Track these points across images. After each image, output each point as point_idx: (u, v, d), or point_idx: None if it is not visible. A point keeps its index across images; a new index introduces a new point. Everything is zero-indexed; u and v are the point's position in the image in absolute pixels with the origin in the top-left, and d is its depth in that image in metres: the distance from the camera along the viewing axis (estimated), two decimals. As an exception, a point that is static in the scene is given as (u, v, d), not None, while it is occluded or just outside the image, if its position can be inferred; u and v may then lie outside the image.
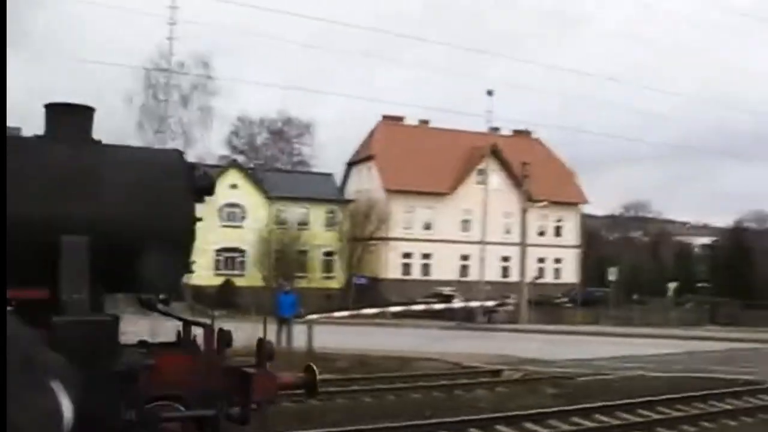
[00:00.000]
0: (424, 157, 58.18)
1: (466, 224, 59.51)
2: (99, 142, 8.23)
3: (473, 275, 53.35)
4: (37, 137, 8.02)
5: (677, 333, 38.72)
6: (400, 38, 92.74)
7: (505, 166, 61.56)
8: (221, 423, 7.75)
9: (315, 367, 8.58)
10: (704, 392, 16.96)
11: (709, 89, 67.77)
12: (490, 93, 49.43)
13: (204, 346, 8.02)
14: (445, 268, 58.59)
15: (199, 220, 8.31)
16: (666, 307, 55.00)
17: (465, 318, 43.05)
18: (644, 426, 13.69)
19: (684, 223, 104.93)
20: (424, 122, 65.71)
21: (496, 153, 59.91)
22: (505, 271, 58.92)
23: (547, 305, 52.31)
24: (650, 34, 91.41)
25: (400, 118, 64.59)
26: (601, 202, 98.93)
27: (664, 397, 15.56)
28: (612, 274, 51.87)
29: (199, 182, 8.38)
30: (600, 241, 79.17)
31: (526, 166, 51.26)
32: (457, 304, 44.77)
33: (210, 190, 8.59)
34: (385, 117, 63.94)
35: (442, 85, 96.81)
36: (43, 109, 8.06)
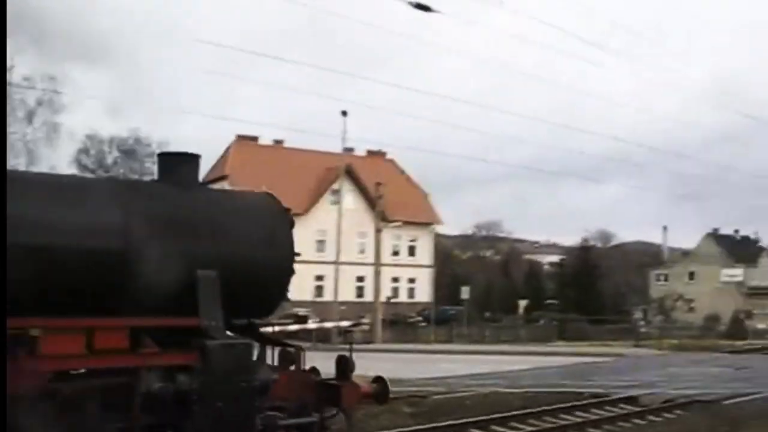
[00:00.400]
0: (278, 177, 57.36)
1: (320, 244, 59.07)
2: (205, 185, 9.77)
3: (328, 295, 52.92)
4: (156, 182, 9.28)
5: (528, 349, 39.61)
6: (257, 57, 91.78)
7: (360, 186, 61.73)
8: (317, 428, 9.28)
9: (385, 378, 10.08)
10: (554, 406, 17.16)
11: (558, 112, 70.86)
12: (344, 113, 49.31)
13: (295, 365, 9.46)
14: (299, 289, 57.75)
15: (298, 254, 9.82)
16: (517, 324, 56.39)
17: (320, 339, 42.48)
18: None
19: (534, 242, 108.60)
20: (279, 142, 65.05)
21: (350, 173, 59.92)
22: (360, 291, 58.86)
23: (401, 324, 52.55)
24: (505, 58, 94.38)
25: (254, 138, 63.67)
26: (454, 222, 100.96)
27: (516, 412, 15.61)
28: (465, 293, 52.67)
29: (291, 220, 9.94)
30: (453, 261, 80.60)
31: (380, 186, 51.42)
32: (311, 324, 44.12)
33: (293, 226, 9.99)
34: (239, 136, 62.85)
35: (297, 106, 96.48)
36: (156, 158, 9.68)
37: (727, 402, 18.67)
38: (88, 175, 67.10)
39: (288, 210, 10.04)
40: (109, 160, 74.00)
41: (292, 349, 9.59)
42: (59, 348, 7.40)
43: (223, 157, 63.61)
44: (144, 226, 8.10)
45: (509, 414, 14.94)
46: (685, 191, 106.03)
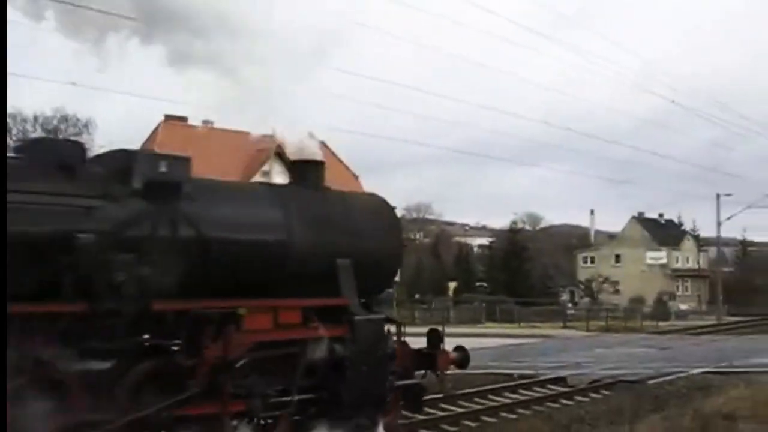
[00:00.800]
0: (207, 158, 56.48)
1: (251, 227, 58.50)
2: (329, 188, 11.23)
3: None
4: (294, 184, 11.10)
5: (457, 331, 39.81)
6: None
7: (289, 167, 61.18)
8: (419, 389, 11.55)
9: (466, 348, 12.47)
10: (484, 387, 17.27)
11: (490, 97, 71.23)
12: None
13: (397, 337, 11.29)
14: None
15: (405, 246, 12.07)
16: (446, 306, 56.74)
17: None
18: (429, 424, 13.61)
19: (464, 225, 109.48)
20: (208, 123, 64.01)
21: (280, 154, 59.34)
22: (292, 274, 58.46)
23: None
24: (439, 43, 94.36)
25: (183, 119, 62.50)
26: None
27: (446, 394, 15.58)
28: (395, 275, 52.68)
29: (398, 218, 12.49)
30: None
31: (310, 167, 51.03)
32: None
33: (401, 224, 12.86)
34: (167, 116, 61.61)
35: (227, 86, 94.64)
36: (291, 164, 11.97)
37: (651, 381, 19.05)
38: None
39: (394, 208, 12.24)
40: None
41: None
42: (256, 324, 9.36)
43: (151, 138, 62.36)
44: (299, 222, 10.08)
45: (438, 396, 14.91)
46: (612, 176, 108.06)
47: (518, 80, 77.25)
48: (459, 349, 12.28)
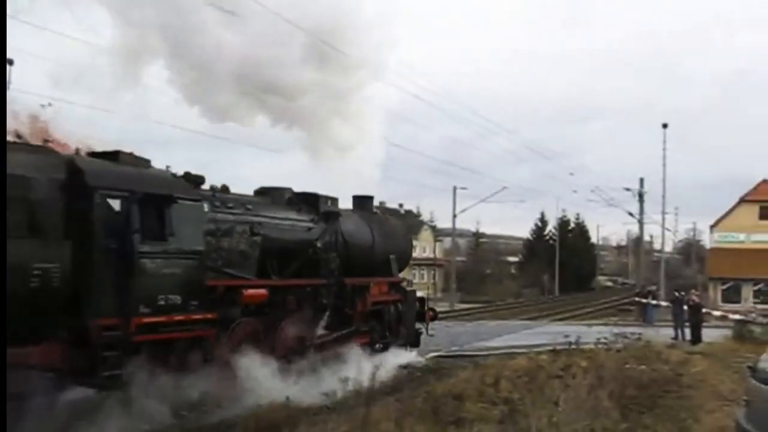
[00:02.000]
0: None
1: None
2: (377, 213, 21.37)
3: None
4: (363, 211, 20.35)
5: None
6: None
7: None
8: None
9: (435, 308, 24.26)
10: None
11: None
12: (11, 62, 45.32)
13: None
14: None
15: (414, 248, 25.52)
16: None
17: None
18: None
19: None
20: None
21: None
22: None
23: None
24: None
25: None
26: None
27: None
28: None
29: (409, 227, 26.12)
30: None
31: None
32: None
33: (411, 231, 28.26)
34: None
35: None
36: (352, 198, 20.54)
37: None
38: None
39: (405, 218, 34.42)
40: None
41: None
42: (374, 292, 18.97)
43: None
44: (376, 235, 19.68)
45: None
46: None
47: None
48: (432, 309, 23.04)
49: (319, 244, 17.13)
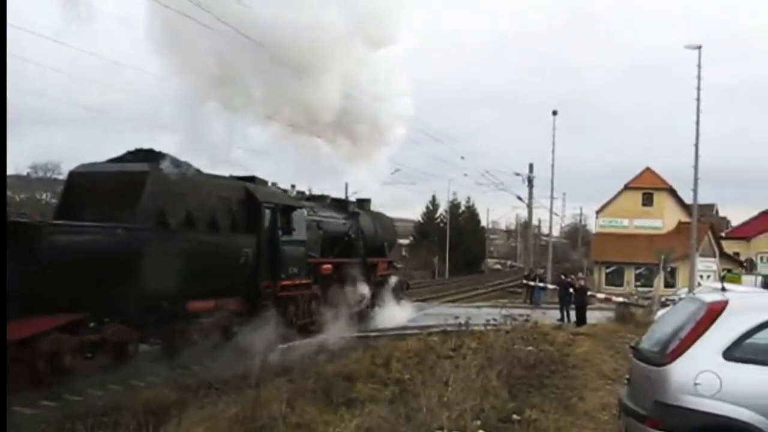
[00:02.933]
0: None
1: None
2: (375, 211, 28.71)
3: None
4: (364, 210, 27.42)
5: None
6: None
7: None
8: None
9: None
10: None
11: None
12: None
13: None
14: None
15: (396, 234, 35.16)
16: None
17: None
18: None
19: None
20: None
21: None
22: None
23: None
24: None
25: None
26: (10, 162, 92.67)
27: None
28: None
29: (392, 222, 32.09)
30: (9, 202, 74.29)
31: None
32: None
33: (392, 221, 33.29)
34: None
35: None
36: (356, 200, 28.84)
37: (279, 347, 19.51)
38: None
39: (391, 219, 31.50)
40: None
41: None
42: (381, 267, 27.38)
43: None
44: (374, 227, 27.50)
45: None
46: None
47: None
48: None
49: (351, 235, 25.27)
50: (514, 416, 9.74)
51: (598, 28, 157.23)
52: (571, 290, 29.30)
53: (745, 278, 38.33)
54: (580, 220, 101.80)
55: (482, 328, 17.11)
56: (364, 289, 24.44)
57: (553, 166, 50.69)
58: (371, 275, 25.83)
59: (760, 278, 36.99)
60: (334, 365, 15.24)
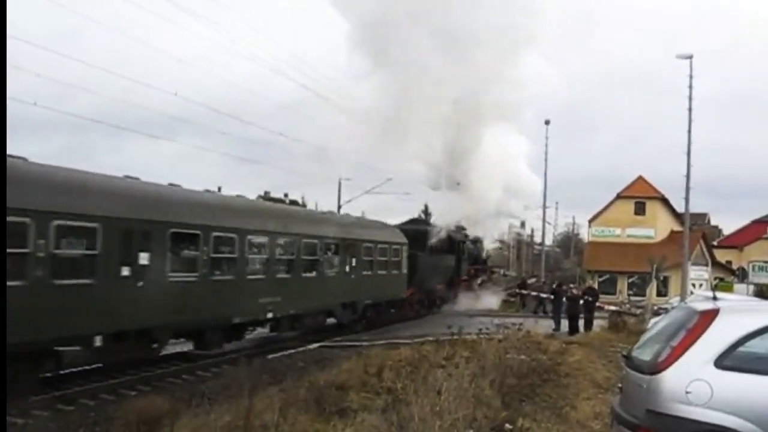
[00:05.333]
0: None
1: None
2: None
3: None
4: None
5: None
6: None
7: None
8: None
9: None
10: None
11: (119, 64, 68.21)
12: None
13: None
14: None
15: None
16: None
17: None
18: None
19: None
20: None
21: None
22: None
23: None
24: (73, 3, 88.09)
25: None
26: None
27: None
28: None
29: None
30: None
31: None
32: None
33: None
34: None
35: None
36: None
37: (270, 356, 19.52)
38: None
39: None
40: None
41: None
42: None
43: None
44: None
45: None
46: (244, 154, 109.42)
47: (151, 49, 75.33)
48: None
49: (474, 252, 44.80)
50: (507, 425, 9.75)
51: (592, 35, 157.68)
52: (564, 299, 29.33)
53: (737, 287, 38.36)
54: (573, 229, 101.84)
55: (475, 337, 17.10)
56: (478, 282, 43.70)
57: (545, 174, 50.86)
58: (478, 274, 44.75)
59: (752, 287, 37.05)
60: (326, 374, 15.23)
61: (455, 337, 16.73)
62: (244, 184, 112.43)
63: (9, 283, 11.43)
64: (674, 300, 30.47)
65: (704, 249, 54.92)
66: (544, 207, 54.83)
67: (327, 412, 11.22)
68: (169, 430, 9.82)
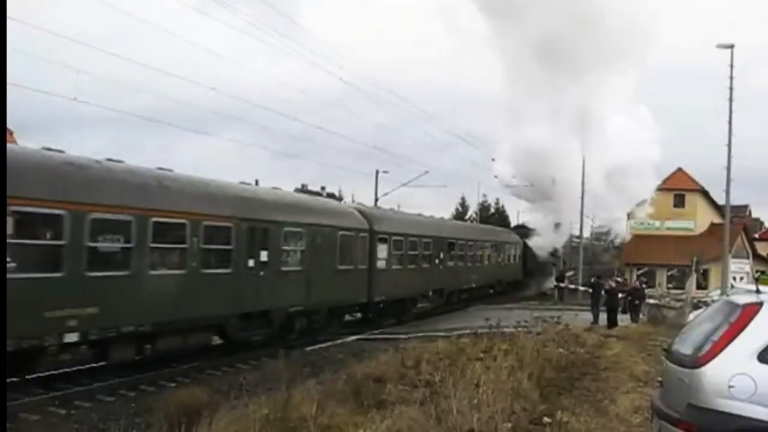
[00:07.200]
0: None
1: None
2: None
3: None
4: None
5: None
6: None
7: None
8: None
9: None
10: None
11: (162, 61, 68.37)
12: None
13: None
14: None
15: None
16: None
17: None
18: (84, 394, 12.86)
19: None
20: None
21: None
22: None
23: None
24: (124, 5, 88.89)
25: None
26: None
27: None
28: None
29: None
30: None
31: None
32: None
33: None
34: None
35: None
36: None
37: (308, 348, 19.61)
38: None
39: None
40: None
41: None
42: None
43: None
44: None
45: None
46: (282, 148, 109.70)
47: (189, 44, 75.69)
48: None
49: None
50: (545, 419, 9.69)
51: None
52: (602, 292, 29.10)
53: (779, 280, 37.76)
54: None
55: (513, 330, 17.03)
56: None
57: (583, 167, 50.29)
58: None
59: (794, 280, 36.45)
60: (364, 366, 15.25)
61: (493, 330, 16.66)
62: (282, 179, 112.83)
63: (173, 272, 15.74)
64: (714, 293, 30.11)
65: (745, 241, 54.19)
66: (582, 199, 54.21)
67: (365, 405, 11.23)
68: (208, 421, 9.89)
